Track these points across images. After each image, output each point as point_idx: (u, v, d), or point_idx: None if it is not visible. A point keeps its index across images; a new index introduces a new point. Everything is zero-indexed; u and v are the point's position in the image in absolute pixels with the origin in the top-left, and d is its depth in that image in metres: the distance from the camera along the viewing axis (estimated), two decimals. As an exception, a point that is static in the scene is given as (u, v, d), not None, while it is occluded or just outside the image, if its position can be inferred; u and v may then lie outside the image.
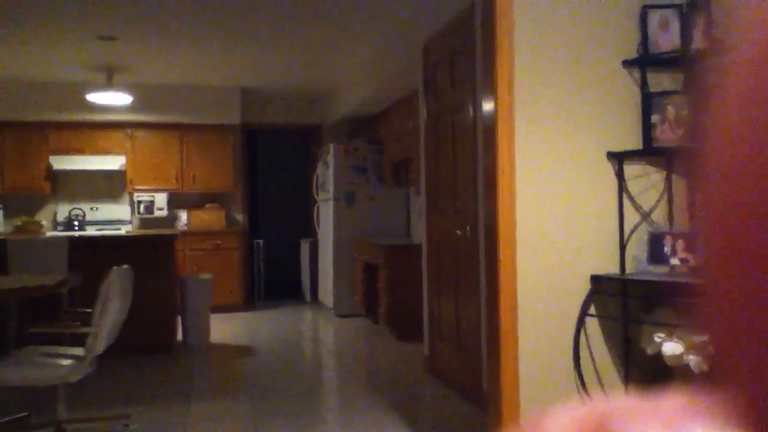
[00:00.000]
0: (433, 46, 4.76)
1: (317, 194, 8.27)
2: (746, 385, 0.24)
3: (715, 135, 0.24)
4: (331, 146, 7.71)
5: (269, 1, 5.22)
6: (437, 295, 4.80)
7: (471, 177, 4.06)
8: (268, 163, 10.14)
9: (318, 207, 8.24)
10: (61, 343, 3.78)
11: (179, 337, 5.94)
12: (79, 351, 3.33)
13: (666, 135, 2.85)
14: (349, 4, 5.34)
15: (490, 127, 2.91)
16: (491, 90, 2.87)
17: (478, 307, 3.91)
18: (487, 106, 2.94)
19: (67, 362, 3.26)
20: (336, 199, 7.58)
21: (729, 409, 0.24)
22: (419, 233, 5.77)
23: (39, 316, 4.64)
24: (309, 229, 8.95)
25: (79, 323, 3.79)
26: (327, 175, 7.83)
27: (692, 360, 2.61)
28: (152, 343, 5.60)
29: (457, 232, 4.27)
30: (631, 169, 2.93)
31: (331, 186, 7.65)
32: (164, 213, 8.13)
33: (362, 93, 7.01)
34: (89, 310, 3.35)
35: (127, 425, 3.85)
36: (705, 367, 2.55)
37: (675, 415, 0.27)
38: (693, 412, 0.27)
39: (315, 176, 8.37)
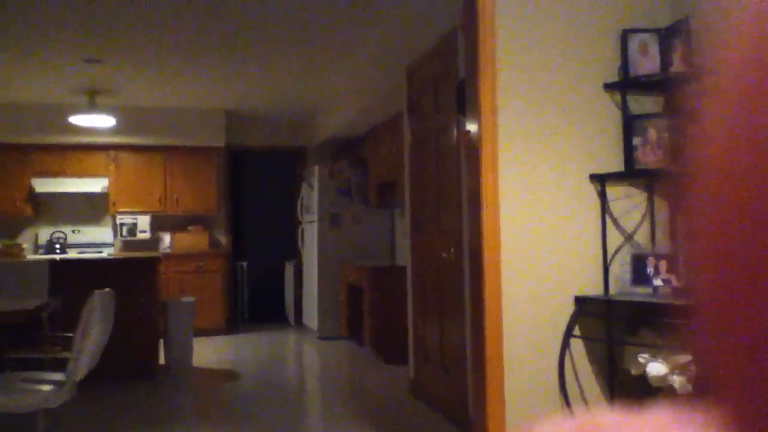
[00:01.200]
0: (416, 70, 4.80)
1: (301, 216, 8.25)
2: (733, 401, 0.24)
3: (696, 157, 0.24)
4: (316, 168, 7.72)
5: (254, 25, 5.25)
6: (422, 317, 4.78)
7: (455, 199, 4.07)
8: (252, 185, 10.11)
9: (302, 229, 8.21)
10: (41, 368, 3.71)
11: (161, 360, 5.86)
12: (59, 376, 3.27)
13: (647, 157, 2.89)
14: (334, 28, 5.38)
15: (473, 149, 2.92)
16: (474, 113, 2.89)
17: (463, 329, 3.91)
18: (471, 129, 2.96)
19: (47, 388, 3.20)
20: (320, 221, 7.57)
21: (716, 422, 0.24)
22: (404, 255, 5.76)
23: (19, 340, 4.56)
24: (293, 252, 8.91)
25: (59, 348, 3.73)
26: (311, 196, 7.82)
27: (676, 380, 2.62)
28: (134, 367, 5.52)
29: (442, 254, 4.27)
30: (613, 191, 2.96)
31: (315, 208, 7.64)
32: (147, 235, 8.07)
33: (347, 115, 7.04)
34: (70, 334, 3.30)
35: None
36: (689, 388, 2.55)
37: (663, 429, 0.27)
38: (678, 427, 0.27)
39: (300, 198, 8.36)
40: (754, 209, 0.22)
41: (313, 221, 7.70)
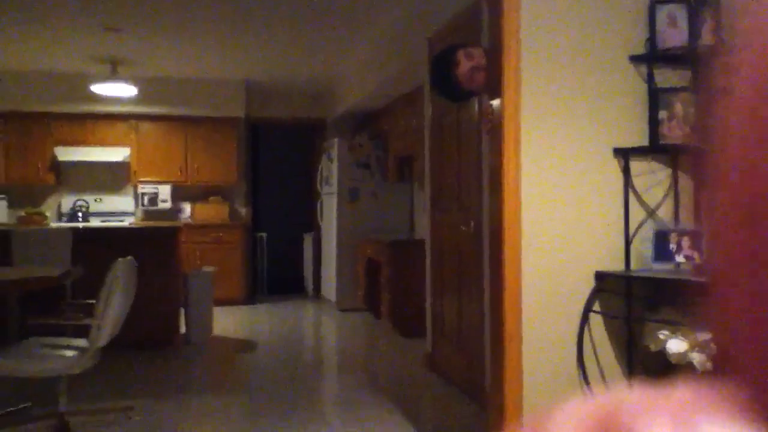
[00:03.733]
0: (438, 42, 4.75)
1: (321, 189, 8.27)
2: (752, 378, 0.23)
3: (723, 133, 0.24)
4: (336, 141, 7.71)
5: (275, -5, 5.21)
6: (440, 291, 4.79)
7: (475, 173, 4.05)
8: (271, 156, 10.14)
9: (321, 201, 8.24)
10: (63, 335, 3.79)
11: (182, 330, 5.95)
12: (82, 343, 3.33)
13: (673, 132, 2.84)
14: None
15: (496, 123, 2.89)
16: (497, 87, 2.86)
17: (481, 304, 3.91)
18: (494, 103, 2.92)
19: (70, 354, 3.26)
20: (339, 194, 7.58)
21: (735, 401, 0.24)
22: (423, 229, 5.76)
23: (42, 307, 4.65)
24: (312, 224, 8.95)
25: (82, 315, 3.79)
26: (331, 169, 7.83)
27: (696, 358, 2.61)
28: (155, 336, 5.61)
29: (462, 228, 4.26)
30: (637, 166, 2.92)
31: (334, 181, 7.65)
32: (168, 205, 8.14)
33: (366, 88, 7.00)
34: (92, 301, 3.35)
35: (129, 417, 3.86)
36: (709, 365, 2.54)
37: (682, 408, 0.27)
38: (700, 405, 0.27)
39: (319, 170, 8.37)
40: None
41: (333, 194, 7.72)
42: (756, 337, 0.23)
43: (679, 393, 0.28)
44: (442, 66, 2.98)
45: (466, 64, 2.89)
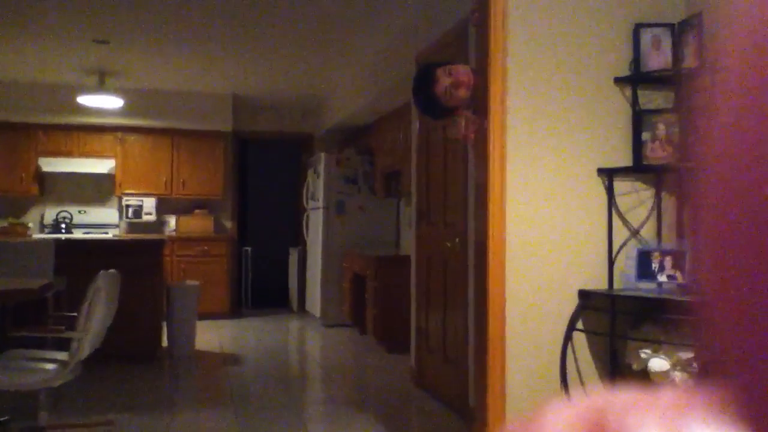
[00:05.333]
0: (426, 59, 4.78)
1: (307, 203, 8.26)
2: (737, 395, 0.24)
3: (705, 153, 0.24)
4: (322, 155, 7.71)
5: (263, 11, 5.23)
6: (425, 307, 4.79)
7: (461, 190, 4.07)
8: (258, 170, 10.12)
9: (308, 216, 8.22)
10: (44, 347, 3.74)
11: (164, 343, 5.89)
12: (62, 356, 3.29)
13: (656, 153, 2.87)
14: (343, 16, 5.35)
15: (482, 140, 2.92)
16: (484, 104, 2.88)
17: (465, 320, 3.91)
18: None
19: (50, 367, 3.22)
20: (326, 209, 7.57)
21: (722, 406, 0.25)
22: (408, 245, 5.77)
23: (23, 319, 4.59)
24: (298, 238, 8.93)
25: (63, 327, 3.75)
26: (317, 184, 7.82)
27: (678, 376, 2.62)
28: (137, 349, 5.55)
29: (447, 244, 4.27)
30: (620, 186, 2.95)
31: (321, 195, 7.65)
32: (153, 218, 8.09)
33: (355, 104, 7.03)
34: (74, 314, 3.32)
35: (109, 432, 3.81)
36: (690, 385, 2.55)
37: (670, 409, 0.28)
38: (687, 407, 0.27)
39: (306, 185, 8.36)
40: (761, 206, 0.22)
41: (319, 208, 7.71)
42: (741, 355, 0.23)
43: (667, 395, 0.28)
44: (422, 84, 3.03)
45: (444, 81, 2.93)
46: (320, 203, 7.66)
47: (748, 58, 0.22)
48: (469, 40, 3.82)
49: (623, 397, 0.29)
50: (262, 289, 9.32)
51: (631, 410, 0.28)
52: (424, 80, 3.01)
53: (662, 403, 0.28)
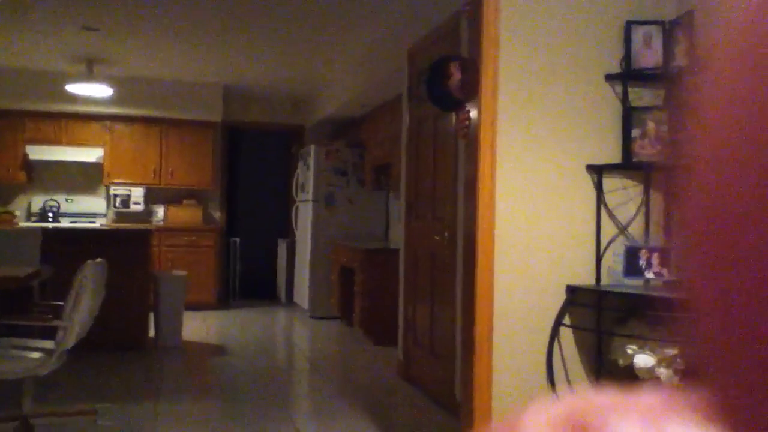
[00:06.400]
0: (418, 53, 4.78)
1: (296, 195, 8.24)
2: (722, 394, 0.24)
3: (692, 151, 0.25)
4: (312, 147, 7.70)
5: (256, 0, 5.20)
6: (413, 300, 4.80)
7: (451, 183, 4.07)
8: (247, 161, 10.08)
9: (297, 208, 8.21)
10: (30, 336, 3.72)
11: (151, 333, 5.88)
12: (48, 344, 3.28)
13: (645, 150, 2.89)
14: (336, 7, 5.33)
15: (472, 135, 2.92)
16: (476, 99, 2.88)
17: (453, 314, 3.92)
18: (471, 113, 2.95)
19: (35, 355, 3.21)
20: (315, 201, 7.56)
21: (704, 407, 0.25)
22: (397, 237, 5.77)
23: (9, 307, 4.56)
24: (287, 230, 8.91)
25: (49, 316, 3.73)
26: (307, 176, 7.81)
27: (663, 373, 2.64)
28: (123, 339, 5.54)
29: (435, 237, 4.28)
30: (609, 182, 2.96)
31: (310, 187, 7.63)
32: (140, 207, 8.05)
33: (346, 96, 7.01)
34: (61, 303, 3.30)
35: (95, 421, 3.79)
36: (676, 380, 2.58)
37: (652, 410, 0.28)
38: (668, 407, 0.28)
39: (295, 177, 8.34)
40: (745, 204, 0.22)
41: (308, 200, 7.70)
42: (723, 354, 0.23)
43: (648, 396, 0.29)
44: (435, 77, 3.21)
45: (457, 75, 3.07)
46: (309, 195, 7.64)
47: (736, 57, 0.23)
48: (462, 34, 3.82)
49: (605, 397, 0.29)
50: (250, 281, 9.31)
51: (613, 410, 0.28)
52: (437, 73, 3.20)
53: (643, 403, 0.28)
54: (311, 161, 7.65)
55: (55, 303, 3.66)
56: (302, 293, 7.95)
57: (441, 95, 3.23)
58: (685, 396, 0.27)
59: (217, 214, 8.50)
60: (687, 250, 0.25)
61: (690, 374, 0.25)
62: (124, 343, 5.53)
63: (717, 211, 0.23)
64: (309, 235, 7.63)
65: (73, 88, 7.08)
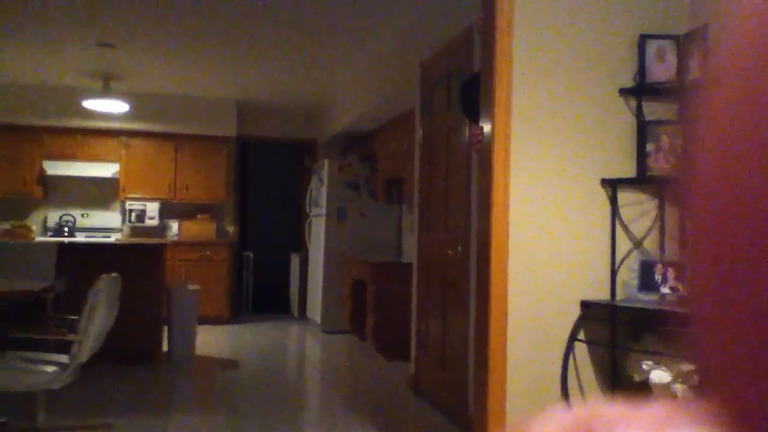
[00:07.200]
0: (431, 66, 4.79)
1: (309, 209, 8.26)
2: (732, 407, 0.24)
3: (703, 165, 0.24)
4: (326, 162, 7.72)
5: (268, 16, 5.25)
6: (425, 314, 4.78)
7: (464, 197, 4.07)
8: (260, 175, 10.13)
9: (310, 222, 8.23)
10: (44, 350, 3.74)
11: (165, 347, 5.89)
12: (63, 358, 3.29)
13: (660, 164, 2.87)
14: (348, 21, 5.37)
15: (486, 148, 2.92)
16: (489, 112, 2.89)
17: (466, 328, 3.90)
18: (485, 128, 2.95)
19: (50, 369, 3.22)
20: (328, 215, 7.57)
21: (713, 420, 0.25)
22: (410, 251, 5.76)
23: (24, 320, 4.59)
24: (299, 244, 8.93)
25: (64, 330, 3.75)
26: (320, 190, 7.83)
27: (679, 389, 2.61)
28: (137, 352, 5.55)
29: (449, 252, 4.27)
30: (624, 197, 2.95)
31: (323, 201, 7.65)
32: (155, 222, 8.10)
33: (358, 110, 7.04)
34: (75, 317, 3.31)
35: (107, 435, 3.80)
36: (691, 397, 2.54)
37: (659, 421, 0.28)
38: (677, 418, 0.27)
39: (309, 191, 8.37)
40: (757, 217, 0.22)
41: (321, 215, 7.71)
42: (731, 366, 0.23)
43: (654, 409, 0.28)
44: (470, 90, 3.38)
45: None
46: (322, 209, 7.66)
47: (749, 71, 0.23)
48: (475, 47, 3.83)
49: (611, 410, 0.29)
50: (262, 295, 9.32)
51: (619, 423, 0.28)
52: (472, 86, 3.36)
53: (650, 414, 0.28)
54: (325, 175, 7.67)
55: (69, 317, 3.68)
56: (315, 307, 7.95)
57: (474, 108, 3.31)
58: (693, 408, 0.27)
59: (230, 228, 8.53)
60: (691, 263, 0.25)
61: (705, 390, 0.25)
62: (138, 357, 5.55)
63: (727, 225, 0.23)
64: (322, 249, 7.64)
65: (89, 103, 7.16)
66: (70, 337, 3.27)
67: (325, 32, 5.62)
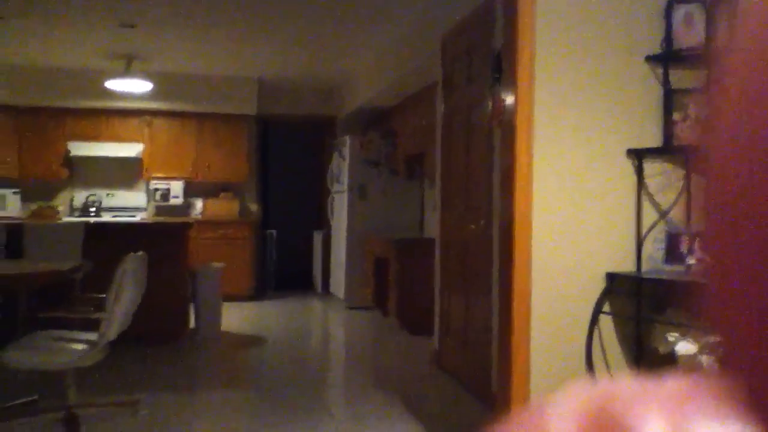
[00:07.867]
0: (451, 41, 4.73)
1: (332, 186, 8.28)
2: (752, 378, 0.23)
3: (724, 133, 0.24)
4: (347, 138, 7.71)
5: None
6: (448, 289, 4.78)
7: (485, 172, 4.04)
8: (281, 154, 10.15)
9: (332, 199, 8.24)
10: (72, 328, 3.80)
11: (191, 325, 5.97)
12: (92, 336, 3.35)
13: (687, 133, 2.82)
14: (368, -4, 5.31)
15: (509, 121, 2.88)
16: (512, 83, 2.84)
17: (489, 304, 3.89)
18: (508, 100, 2.91)
19: (80, 347, 3.28)
20: (350, 191, 7.58)
21: (730, 395, 0.24)
22: (432, 227, 5.75)
23: (52, 300, 4.67)
24: (322, 221, 8.96)
25: (91, 309, 3.81)
26: (342, 167, 7.83)
27: (705, 360, 2.58)
28: (164, 330, 5.63)
29: (471, 226, 4.25)
30: (650, 167, 2.90)
31: (345, 178, 7.66)
32: (180, 201, 8.18)
33: (378, 86, 7.00)
34: (102, 295, 3.36)
35: (137, 411, 3.87)
36: (717, 369, 2.52)
37: (675, 398, 0.27)
38: (694, 396, 0.27)
39: (330, 168, 8.37)
40: None
41: (343, 191, 7.72)
42: (748, 340, 0.23)
43: (673, 384, 0.28)
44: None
45: None
46: (344, 186, 7.67)
47: (756, 38, 0.22)
48: (497, 20, 3.77)
49: (630, 385, 0.29)
50: (286, 272, 9.39)
51: (636, 400, 0.27)
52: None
53: (667, 392, 0.28)
54: (346, 152, 7.66)
55: (96, 296, 3.74)
56: (338, 283, 7.99)
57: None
58: (713, 382, 0.27)
59: (252, 207, 8.58)
60: (707, 234, 0.24)
61: (728, 360, 0.25)
62: (165, 335, 5.63)
63: (752, 195, 0.22)
64: (344, 226, 7.66)
65: (112, 84, 7.20)
66: (98, 315, 3.32)
67: (345, 8, 5.57)
